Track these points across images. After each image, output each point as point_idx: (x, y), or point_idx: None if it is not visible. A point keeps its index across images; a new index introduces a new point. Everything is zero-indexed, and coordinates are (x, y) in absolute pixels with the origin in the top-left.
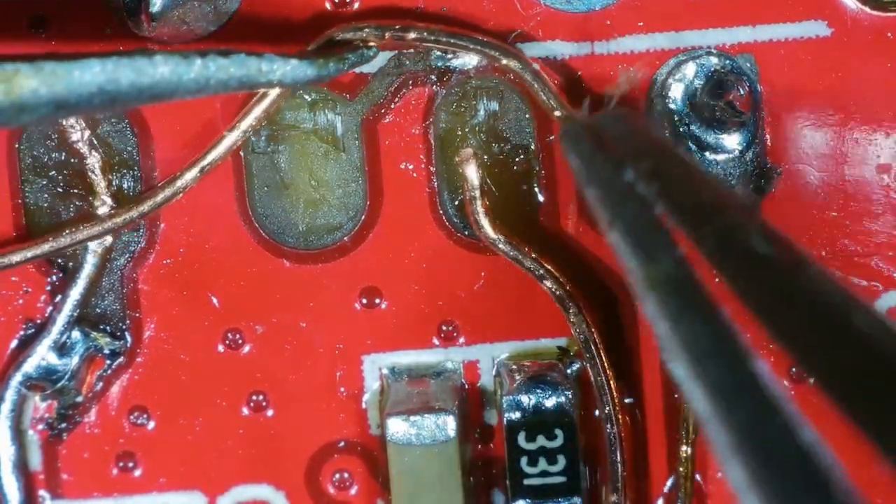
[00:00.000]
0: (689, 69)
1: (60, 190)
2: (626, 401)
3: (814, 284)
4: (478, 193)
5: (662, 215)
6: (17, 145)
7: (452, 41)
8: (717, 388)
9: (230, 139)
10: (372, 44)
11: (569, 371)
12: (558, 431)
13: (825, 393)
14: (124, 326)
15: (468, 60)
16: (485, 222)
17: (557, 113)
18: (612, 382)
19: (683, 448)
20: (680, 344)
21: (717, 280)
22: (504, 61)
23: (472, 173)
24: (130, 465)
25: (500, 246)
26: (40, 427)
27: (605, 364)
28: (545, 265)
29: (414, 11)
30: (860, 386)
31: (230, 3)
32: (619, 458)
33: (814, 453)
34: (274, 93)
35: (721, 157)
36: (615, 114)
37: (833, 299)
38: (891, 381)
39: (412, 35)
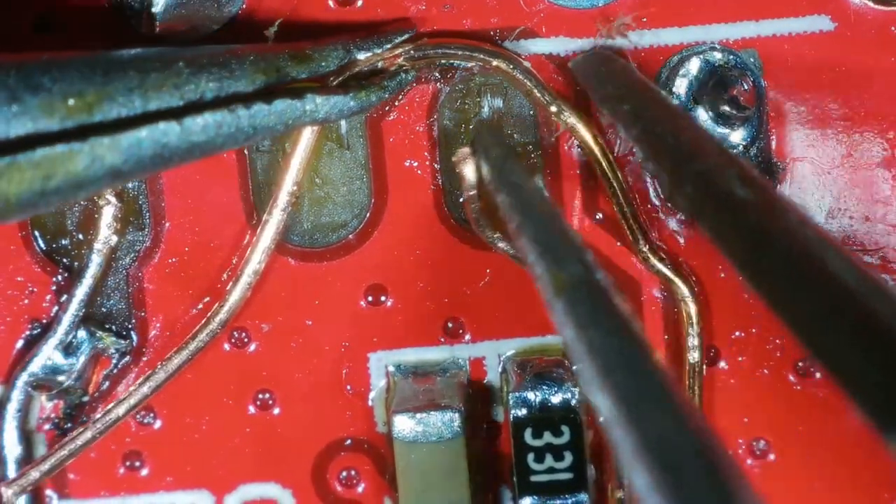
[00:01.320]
0: (693, 64)
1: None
2: None
3: (790, 228)
4: (475, 193)
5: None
6: None
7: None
8: (622, 395)
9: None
10: (409, 68)
11: (575, 367)
12: (565, 428)
13: (798, 336)
14: (130, 325)
15: None
16: (483, 221)
17: (553, 108)
18: None
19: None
20: (586, 350)
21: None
22: (494, 63)
23: (470, 173)
24: (137, 464)
25: (500, 245)
26: (47, 427)
27: None
28: None
29: (417, 9)
30: (832, 328)
31: (233, 3)
32: None
33: (718, 460)
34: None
35: None
36: (596, 55)
37: (808, 243)
38: (862, 323)
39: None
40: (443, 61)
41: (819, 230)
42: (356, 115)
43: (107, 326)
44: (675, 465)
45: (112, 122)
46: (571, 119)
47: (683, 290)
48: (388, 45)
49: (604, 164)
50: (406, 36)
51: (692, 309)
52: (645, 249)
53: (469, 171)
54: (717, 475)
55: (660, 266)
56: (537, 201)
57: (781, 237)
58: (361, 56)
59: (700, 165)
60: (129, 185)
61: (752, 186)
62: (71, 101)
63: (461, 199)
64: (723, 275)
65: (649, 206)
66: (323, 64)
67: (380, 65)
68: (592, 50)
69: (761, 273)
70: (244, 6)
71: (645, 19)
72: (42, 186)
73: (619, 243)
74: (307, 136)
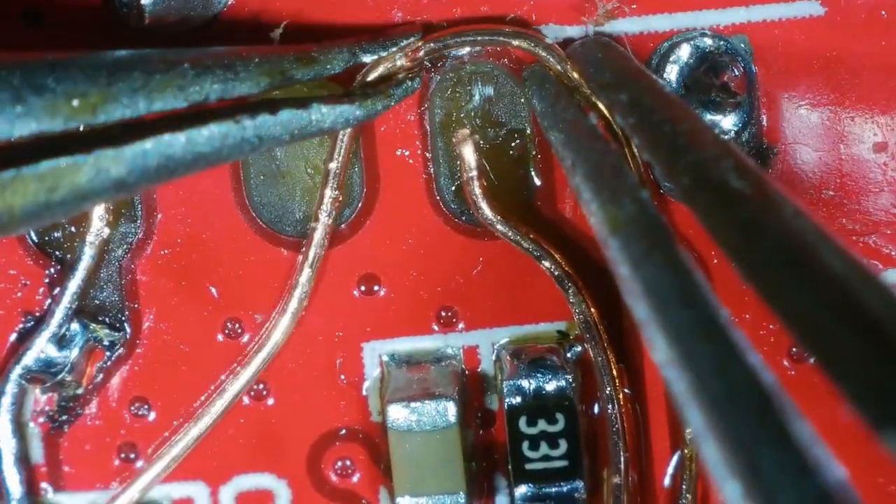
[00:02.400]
0: (684, 51)
1: None
2: (627, 382)
3: (784, 220)
4: (475, 174)
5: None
6: None
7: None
8: (677, 333)
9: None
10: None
11: (569, 355)
12: (559, 415)
13: (791, 329)
14: (123, 317)
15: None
16: (483, 203)
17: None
18: (612, 362)
19: (688, 430)
20: (641, 287)
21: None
22: (515, 43)
23: (469, 154)
24: (132, 456)
25: (499, 227)
26: (41, 420)
27: (606, 344)
28: (543, 246)
29: None
30: (824, 322)
31: None
32: (621, 440)
33: (774, 400)
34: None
35: None
36: (593, 43)
37: (803, 236)
38: (855, 317)
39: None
40: (459, 51)
41: (814, 222)
42: (363, 122)
43: (100, 318)
44: (729, 402)
45: (117, 127)
46: (592, 97)
47: None
48: (394, 48)
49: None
50: (412, 39)
51: None
52: None
53: (468, 152)
54: (774, 418)
55: None
56: (592, 139)
57: (776, 229)
58: (367, 58)
59: (696, 155)
60: None
61: (747, 177)
62: (75, 102)
63: (456, 184)
64: (715, 261)
65: None
66: (328, 66)
67: (384, 70)
68: (589, 37)
69: (755, 264)
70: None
71: (635, 6)
72: (47, 198)
73: None
74: (346, 141)
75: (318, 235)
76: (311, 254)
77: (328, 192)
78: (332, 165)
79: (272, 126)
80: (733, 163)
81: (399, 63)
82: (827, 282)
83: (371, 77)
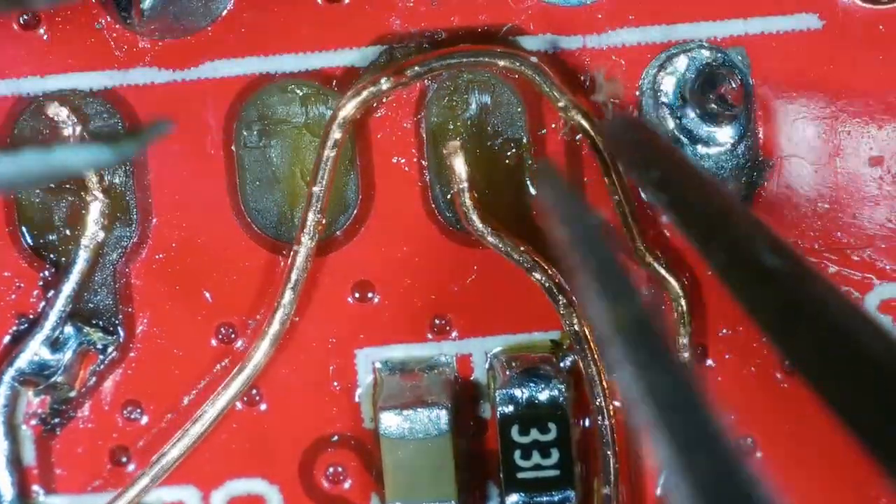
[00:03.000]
0: (681, 62)
1: (52, 185)
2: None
3: (821, 300)
4: (465, 185)
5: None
6: (8, 141)
7: (445, 63)
8: (678, 440)
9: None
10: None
11: (562, 364)
12: (552, 425)
13: (832, 411)
14: (117, 321)
15: None
16: (473, 215)
17: (561, 104)
18: (603, 374)
19: None
20: (644, 390)
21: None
22: (501, 63)
23: (460, 165)
24: (124, 459)
25: (489, 238)
26: (33, 422)
27: (597, 356)
28: (534, 257)
29: (404, 6)
30: (867, 405)
31: (222, 1)
32: (611, 450)
33: None
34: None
35: (713, 150)
36: (622, 121)
37: (841, 316)
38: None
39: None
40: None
41: (849, 300)
42: (114, 164)
43: (94, 322)
44: None
45: None
46: (578, 115)
47: (676, 289)
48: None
49: (608, 161)
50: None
51: (684, 308)
52: (642, 248)
53: (459, 164)
54: None
55: (655, 265)
56: (600, 238)
57: (811, 307)
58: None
59: (729, 234)
60: (117, 180)
61: (781, 255)
62: None
63: (450, 193)
64: (709, 273)
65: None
66: None
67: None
68: (618, 116)
69: (792, 344)
70: (232, 5)
71: (632, 17)
72: None
73: None
74: (329, 165)
75: (301, 259)
76: (294, 277)
77: (311, 216)
78: (316, 189)
79: (11, 166)
80: (766, 240)
81: (385, 87)
82: (864, 361)
83: (353, 102)
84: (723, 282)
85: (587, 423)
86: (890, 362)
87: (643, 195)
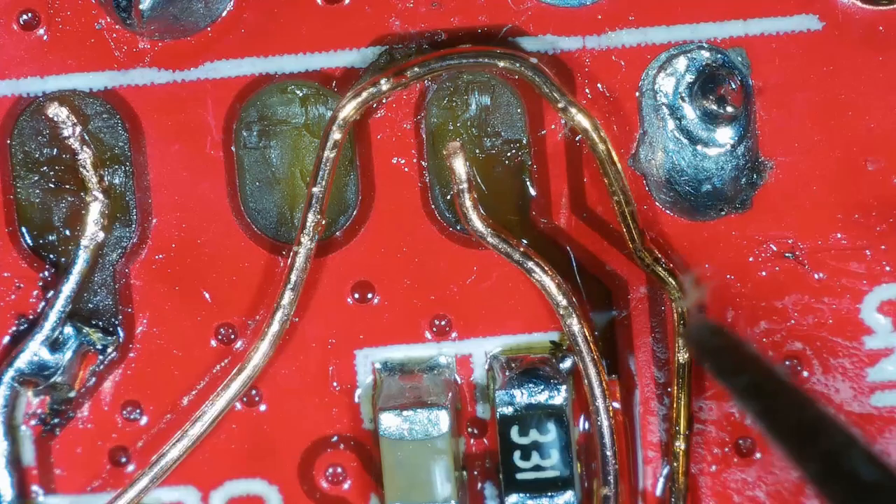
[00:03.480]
0: (681, 63)
1: (52, 185)
2: (618, 395)
3: None
4: (466, 186)
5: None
6: (8, 141)
7: (445, 64)
8: None
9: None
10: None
11: (561, 365)
12: (551, 425)
13: None
14: (117, 322)
15: None
16: (473, 215)
17: (561, 105)
18: (602, 375)
19: (677, 444)
20: None
21: None
22: (501, 64)
23: (460, 166)
24: (123, 459)
25: (489, 239)
26: (33, 422)
27: (596, 357)
28: (534, 258)
29: (404, 7)
30: None
31: (223, 2)
32: (610, 451)
33: None
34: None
35: (713, 150)
36: (706, 325)
37: None
38: None
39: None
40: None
41: None
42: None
43: (93, 322)
44: None
45: None
46: (578, 116)
47: (676, 291)
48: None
49: (607, 161)
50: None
51: (684, 308)
52: (642, 248)
53: (459, 165)
54: None
55: (654, 265)
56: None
57: None
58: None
59: (824, 444)
60: (116, 181)
61: (877, 466)
62: None
63: (450, 194)
64: (708, 273)
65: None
66: None
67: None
68: (700, 321)
69: None
70: (232, 5)
71: (633, 17)
72: None
73: (606, 241)
74: (328, 166)
75: (300, 259)
76: (293, 277)
77: (311, 217)
78: (315, 190)
79: None
80: (862, 451)
81: (384, 88)
82: None
83: (353, 103)
84: (819, 492)
85: (587, 423)
86: None
87: (733, 403)
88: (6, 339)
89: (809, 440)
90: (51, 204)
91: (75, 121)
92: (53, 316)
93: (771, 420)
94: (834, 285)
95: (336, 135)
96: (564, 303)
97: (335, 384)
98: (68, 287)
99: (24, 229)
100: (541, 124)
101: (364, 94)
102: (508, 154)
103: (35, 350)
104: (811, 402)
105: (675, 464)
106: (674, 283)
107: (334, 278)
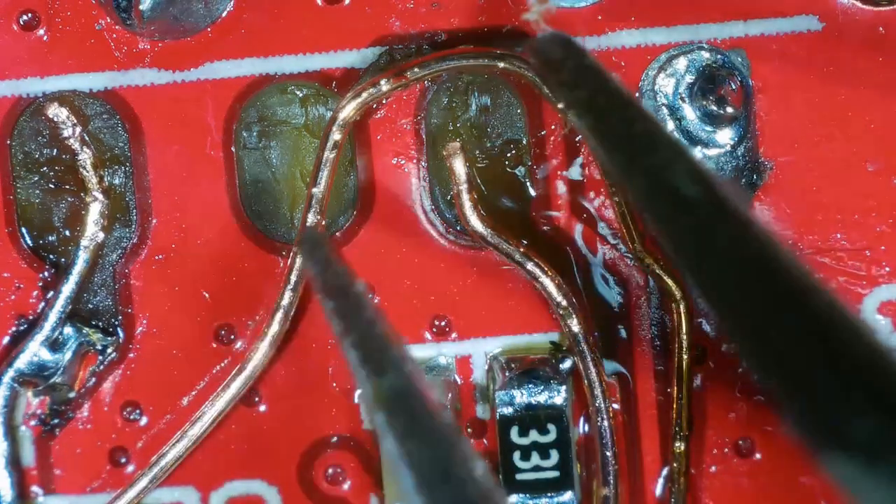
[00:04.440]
0: (681, 64)
1: (52, 186)
2: (618, 396)
3: (738, 229)
4: (465, 187)
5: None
6: (8, 141)
7: (445, 65)
8: None
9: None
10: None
11: (561, 366)
12: (551, 426)
13: (738, 341)
14: (116, 322)
15: None
16: (473, 215)
17: (561, 105)
18: (602, 376)
19: (677, 444)
20: (405, 461)
21: None
22: (501, 65)
23: (460, 167)
24: (123, 460)
25: (489, 240)
26: (33, 423)
27: (596, 358)
28: (534, 259)
29: (405, 7)
30: (772, 333)
31: (223, 2)
32: (610, 452)
33: None
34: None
35: (713, 151)
36: (554, 39)
37: (756, 246)
38: (804, 327)
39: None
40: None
41: (765, 229)
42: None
43: (93, 323)
44: None
45: None
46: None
47: (676, 291)
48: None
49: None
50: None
51: (684, 310)
52: (641, 250)
53: (459, 166)
54: None
55: (654, 267)
56: (360, 307)
57: (726, 237)
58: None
59: (650, 160)
60: (116, 181)
61: (700, 183)
62: None
63: (451, 194)
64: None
65: None
66: None
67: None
68: (549, 34)
69: (703, 273)
70: (232, 6)
71: (633, 18)
72: None
73: (605, 243)
74: (328, 166)
75: (300, 260)
76: (293, 278)
77: (311, 217)
78: (316, 190)
79: None
80: (686, 167)
81: (384, 88)
82: (776, 292)
83: (353, 104)
84: (640, 210)
85: (586, 424)
86: (802, 290)
87: (567, 118)
88: (6, 339)
89: (636, 155)
90: (51, 204)
91: (75, 121)
92: (53, 316)
93: (602, 135)
94: (834, 286)
95: (336, 135)
96: (564, 303)
97: (334, 384)
98: (68, 287)
99: (24, 230)
100: (541, 125)
101: (364, 95)
102: (508, 154)
103: (35, 350)
104: (643, 119)
105: (675, 464)
106: (673, 284)
107: None
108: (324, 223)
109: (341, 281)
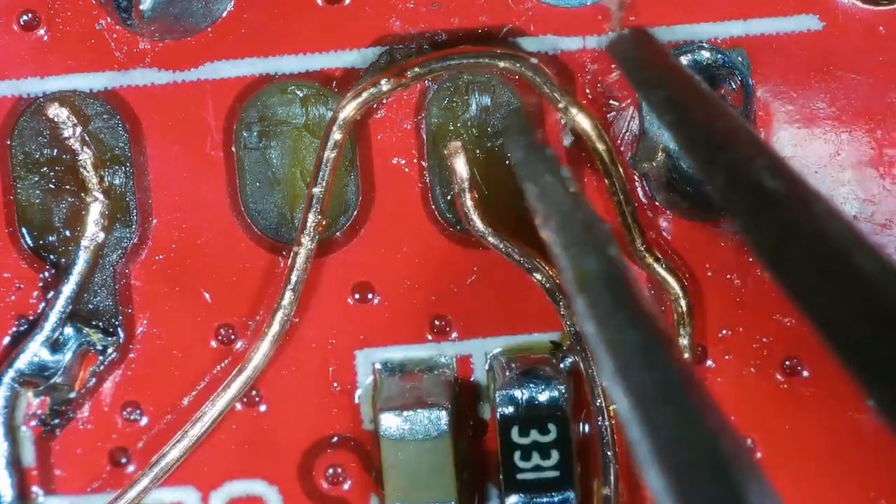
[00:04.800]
0: (682, 63)
1: (52, 186)
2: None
3: (820, 223)
4: (467, 186)
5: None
6: (8, 142)
7: (445, 64)
8: (638, 395)
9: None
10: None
11: (562, 365)
12: (551, 426)
13: (822, 333)
14: (117, 322)
15: None
16: (474, 215)
17: (561, 105)
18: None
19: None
20: (605, 347)
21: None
22: (501, 65)
23: (461, 166)
24: (123, 460)
25: (490, 239)
26: (33, 423)
27: None
28: (534, 258)
29: (404, 7)
30: (857, 325)
31: (223, 2)
32: (612, 451)
33: (731, 469)
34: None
35: None
36: (632, 36)
37: (838, 240)
38: (887, 320)
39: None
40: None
41: (848, 224)
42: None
43: (93, 323)
44: (688, 467)
45: None
46: (579, 116)
47: (676, 289)
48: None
49: (608, 161)
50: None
51: (684, 308)
52: (642, 248)
53: (460, 165)
54: (728, 477)
55: (655, 265)
56: (564, 192)
57: (808, 230)
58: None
59: (730, 155)
60: (117, 181)
61: (781, 177)
62: None
63: (451, 194)
64: (709, 273)
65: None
66: None
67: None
68: (627, 30)
69: (787, 267)
70: (232, 6)
71: (633, 18)
72: None
73: None
74: (329, 166)
75: (301, 260)
76: (294, 278)
77: (311, 217)
78: (316, 190)
79: None
80: (767, 162)
81: (385, 88)
82: (860, 285)
83: (353, 103)
84: (724, 207)
85: (587, 424)
86: (885, 282)
87: (648, 117)
88: (6, 339)
89: (716, 151)
90: (51, 204)
91: (76, 121)
92: (54, 317)
93: (683, 132)
94: None
95: (336, 135)
96: (565, 303)
97: (335, 385)
98: (68, 288)
99: (24, 230)
100: (541, 124)
101: (364, 95)
102: (509, 154)
103: (35, 351)
104: (723, 114)
105: None
106: (674, 282)
107: (335, 279)
108: (324, 223)
109: (546, 165)
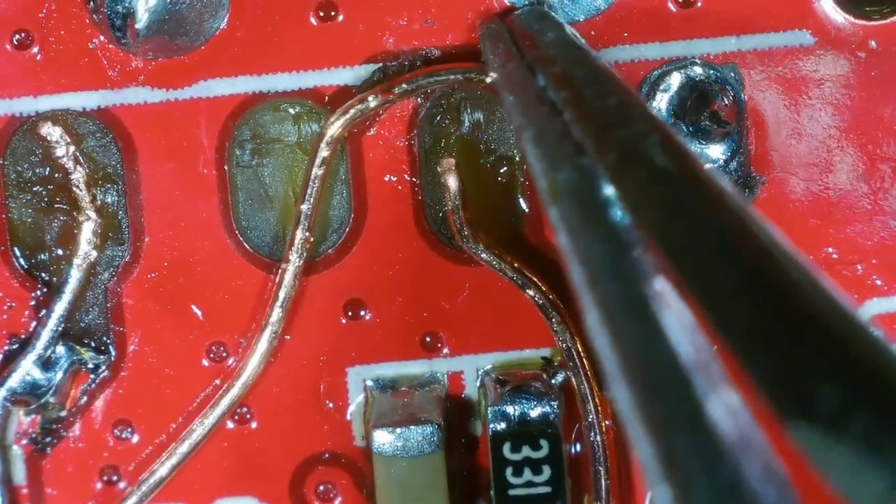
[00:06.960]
0: (674, 79)
1: (44, 205)
2: (611, 411)
3: (709, 201)
4: (459, 203)
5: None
6: (0, 161)
7: (433, 80)
8: (605, 307)
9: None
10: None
11: (553, 381)
12: (543, 442)
13: (707, 312)
14: (108, 340)
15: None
16: (467, 232)
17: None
18: (595, 391)
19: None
20: (575, 257)
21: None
22: (489, 80)
23: (454, 183)
24: (114, 478)
25: (482, 255)
26: (24, 442)
27: (589, 372)
28: (527, 274)
29: (398, 24)
30: (742, 303)
31: (216, 21)
32: (603, 467)
33: (691, 383)
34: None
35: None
36: (533, 13)
37: (728, 218)
38: (775, 298)
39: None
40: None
41: (739, 203)
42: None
43: (85, 341)
44: (648, 383)
45: None
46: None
47: None
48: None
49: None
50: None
51: None
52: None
53: (453, 182)
54: (689, 393)
55: None
56: (539, 103)
57: (697, 209)
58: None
59: (623, 132)
60: (109, 200)
61: (672, 154)
62: None
63: (443, 211)
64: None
65: None
66: None
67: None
68: (526, 7)
69: (673, 244)
70: (225, 24)
71: (626, 34)
72: None
73: None
74: (317, 183)
75: (289, 277)
76: (282, 294)
77: (299, 234)
78: (304, 207)
79: None
80: (659, 139)
81: (372, 104)
82: (747, 265)
83: (341, 120)
84: (615, 182)
85: (579, 440)
86: (773, 261)
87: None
88: None
89: (609, 128)
90: (43, 223)
91: (68, 140)
92: (45, 335)
93: (578, 108)
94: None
95: (324, 152)
96: (558, 319)
97: (327, 402)
98: (60, 306)
99: (16, 249)
100: None
101: (352, 112)
102: (502, 170)
103: (27, 369)
104: (617, 92)
105: None
106: None
107: (326, 296)
108: (311, 239)
109: (522, 75)
